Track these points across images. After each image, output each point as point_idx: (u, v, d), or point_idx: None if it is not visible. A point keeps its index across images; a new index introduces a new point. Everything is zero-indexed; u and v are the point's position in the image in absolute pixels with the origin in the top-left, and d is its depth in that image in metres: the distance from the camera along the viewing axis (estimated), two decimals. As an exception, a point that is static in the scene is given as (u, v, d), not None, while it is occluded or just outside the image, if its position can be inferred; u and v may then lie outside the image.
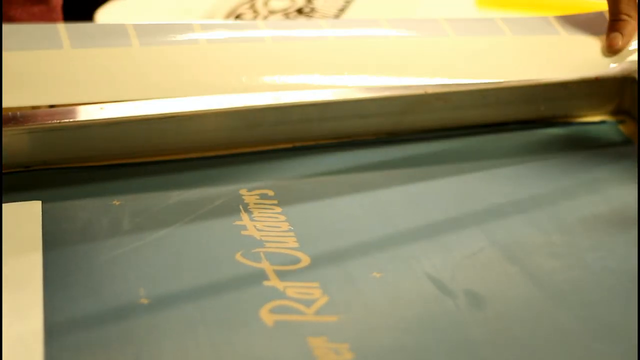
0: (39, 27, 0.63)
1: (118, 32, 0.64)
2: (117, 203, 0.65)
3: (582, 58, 0.71)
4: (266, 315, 0.54)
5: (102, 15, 0.98)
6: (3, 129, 0.65)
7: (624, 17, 0.70)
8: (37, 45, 0.61)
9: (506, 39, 0.71)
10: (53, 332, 0.53)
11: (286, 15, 0.99)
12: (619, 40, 0.71)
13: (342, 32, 0.69)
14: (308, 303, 0.55)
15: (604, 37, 0.71)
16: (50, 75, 0.61)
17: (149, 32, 0.64)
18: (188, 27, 0.66)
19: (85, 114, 0.68)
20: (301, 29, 0.69)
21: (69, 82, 0.61)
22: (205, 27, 0.66)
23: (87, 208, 0.64)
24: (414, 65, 0.68)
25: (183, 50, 0.64)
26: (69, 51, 0.62)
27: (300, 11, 1.00)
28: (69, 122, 0.67)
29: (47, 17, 0.81)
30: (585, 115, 0.77)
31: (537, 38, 0.72)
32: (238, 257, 0.59)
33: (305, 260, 0.59)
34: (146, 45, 0.63)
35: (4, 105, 0.58)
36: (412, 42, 0.69)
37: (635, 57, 0.72)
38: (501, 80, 0.71)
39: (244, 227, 0.62)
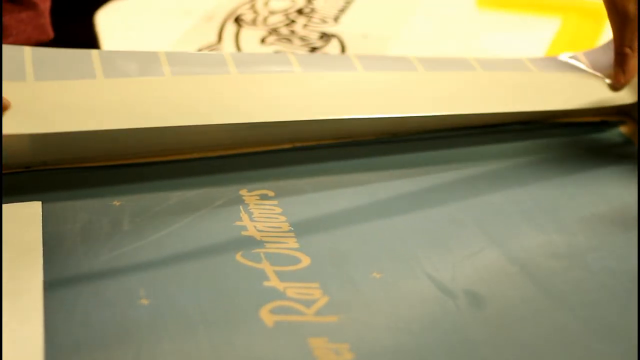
0: (76, 54, 0.66)
1: (152, 60, 0.67)
2: (118, 203, 0.65)
3: (600, 96, 0.72)
4: (266, 316, 0.54)
5: (102, 16, 0.98)
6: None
7: (627, 50, 0.70)
8: (72, 75, 0.64)
9: (532, 75, 0.74)
10: (53, 332, 0.53)
11: (286, 15, 0.99)
12: (620, 78, 0.71)
13: (372, 66, 0.71)
14: (308, 303, 0.55)
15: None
16: (83, 103, 0.63)
17: (180, 61, 0.67)
18: (219, 58, 0.68)
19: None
20: (331, 63, 0.71)
21: (101, 110, 0.63)
22: (236, 57, 0.69)
23: (87, 208, 0.64)
24: (443, 103, 0.71)
25: (214, 80, 0.67)
26: (102, 81, 0.64)
27: (300, 12, 1.00)
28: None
29: (35, 22, 0.81)
30: (586, 116, 0.77)
31: (561, 75, 0.73)
32: (238, 257, 0.59)
33: (305, 260, 0.59)
34: (178, 75, 0.66)
35: (38, 130, 0.61)
36: (443, 79, 0.72)
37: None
38: (511, 110, 0.72)
39: (244, 228, 0.62)
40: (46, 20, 0.83)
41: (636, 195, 0.66)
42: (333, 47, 0.92)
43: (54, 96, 0.63)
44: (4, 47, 0.65)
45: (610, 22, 0.70)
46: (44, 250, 0.59)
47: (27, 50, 0.64)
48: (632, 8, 0.68)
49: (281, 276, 0.58)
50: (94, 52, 0.66)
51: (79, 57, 0.66)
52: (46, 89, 0.63)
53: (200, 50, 0.91)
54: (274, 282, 0.57)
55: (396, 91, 0.71)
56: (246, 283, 0.57)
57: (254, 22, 0.97)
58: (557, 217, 0.64)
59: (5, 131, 0.61)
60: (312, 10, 1.00)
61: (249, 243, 0.61)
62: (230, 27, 0.96)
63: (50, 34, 0.83)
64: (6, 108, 0.61)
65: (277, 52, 0.91)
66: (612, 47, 0.73)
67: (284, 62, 0.70)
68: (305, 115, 0.68)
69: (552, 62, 0.75)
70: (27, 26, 0.81)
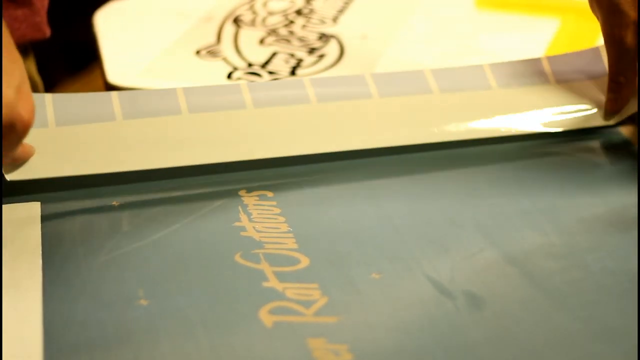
0: (94, 98, 0.67)
1: (168, 97, 0.67)
2: (117, 204, 0.65)
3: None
4: (265, 316, 0.54)
5: (102, 16, 0.98)
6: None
7: (621, 79, 0.71)
8: (93, 118, 0.65)
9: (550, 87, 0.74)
10: (52, 332, 0.53)
11: (285, 16, 0.99)
12: (613, 105, 0.72)
13: (387, 90, 0.71)
14: (307, 304, 0.55)
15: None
16: (105, 145, 0.65)
17: (198, 97, 0.68)
18: (236, 90, 0.69)
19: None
20: (346, 87, 0.71)
21: (122, 151, 0.65)
22: (252, 90, 0.69)
23: (86, 209, 0.64)
24: (455, 124, 0.71)
25: (229, 116, 0.67)
26: (121, 122, 0.66)
27: (299, 12, 1.00)
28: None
29: (30, 20, 0.81)
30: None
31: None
32: (237, 258, 0.59)
33: (304, 261, 0.59)
34: (195, 112, 0.67)
35: (64, 174, 0.63)
36: (456, 97, 0.72)
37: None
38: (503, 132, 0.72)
39: (244, 229, 0.62)
40: (42, 18, 0.82)
41: (635, 196, 0.66)
42: (332, 47, 0.92)
43: (75, 140, 0.64)
44: None
45: (606, 51, 0.71)
46: (43, 250, 0.59)
47: (48, 97, 0.66)
48: (629, 38, 0.69)
49: (280, 277, 0.58)
50: (113, 95, 0.67)
51: (99, 100, 0.67)
52: (67, 133, 0.64)
53: (199, 51, 0.91)
54: (273, 283, 0.57)
55: (409, 117, 0.71)
56: (245, 284, 0.57)
57: (252, 22, 0.97)
58: (556, 218, 0.64)
59: (28, 176, 0.62)
60: (311, 10, 1.00)
61: (248, 244, 0.61)
62: (229, 28, 0.96)
63: (46, 32, 0.83)
64: (30, 154, 0.62)
65: (276, 52, 0.91)
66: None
67: (299, 87, 0.70)
68: (322, 148, 0.68)
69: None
70: (22, 24, 0.80)
